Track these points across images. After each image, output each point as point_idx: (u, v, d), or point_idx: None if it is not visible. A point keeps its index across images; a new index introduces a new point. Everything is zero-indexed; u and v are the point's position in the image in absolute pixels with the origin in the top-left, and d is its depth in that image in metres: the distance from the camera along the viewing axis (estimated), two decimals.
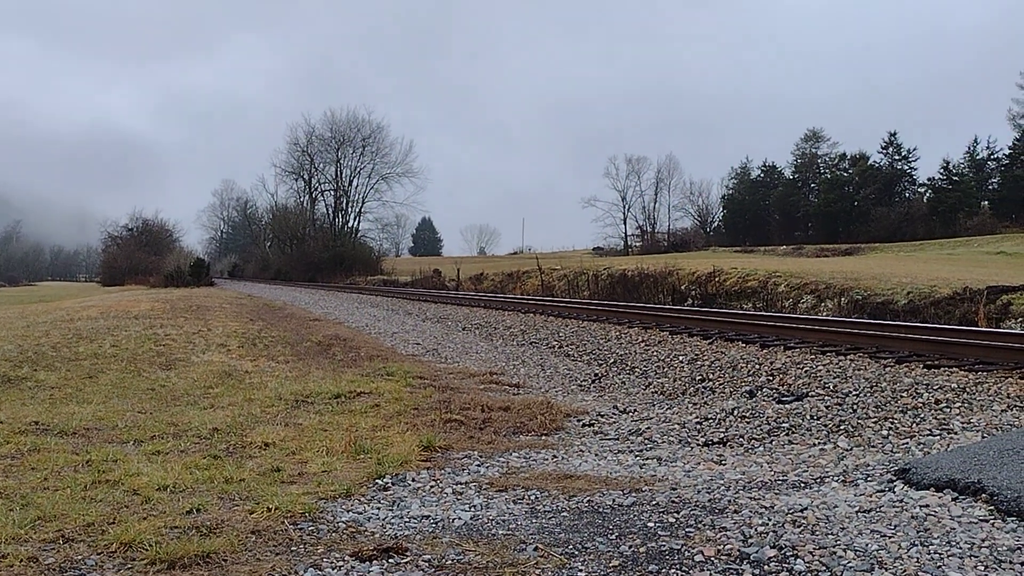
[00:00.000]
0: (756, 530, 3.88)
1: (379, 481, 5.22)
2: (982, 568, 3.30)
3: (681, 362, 10.29)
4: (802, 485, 4.83)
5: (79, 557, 3.76)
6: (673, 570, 3.47)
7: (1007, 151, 65.67)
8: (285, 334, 16.92)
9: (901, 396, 7.01)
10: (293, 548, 3.90)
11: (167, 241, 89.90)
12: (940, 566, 3.33)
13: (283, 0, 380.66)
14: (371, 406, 8.17)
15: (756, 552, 3.58)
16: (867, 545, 3.58)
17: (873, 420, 6.52)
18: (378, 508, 4.66)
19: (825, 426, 6.55)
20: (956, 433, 5.95)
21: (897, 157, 72.00)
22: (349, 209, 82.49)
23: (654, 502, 4.62)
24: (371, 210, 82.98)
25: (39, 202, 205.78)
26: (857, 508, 4.12)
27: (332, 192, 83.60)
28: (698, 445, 6.49)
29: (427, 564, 3.66)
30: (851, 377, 7.94)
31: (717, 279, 24.14)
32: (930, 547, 3.53)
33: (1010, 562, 3.33)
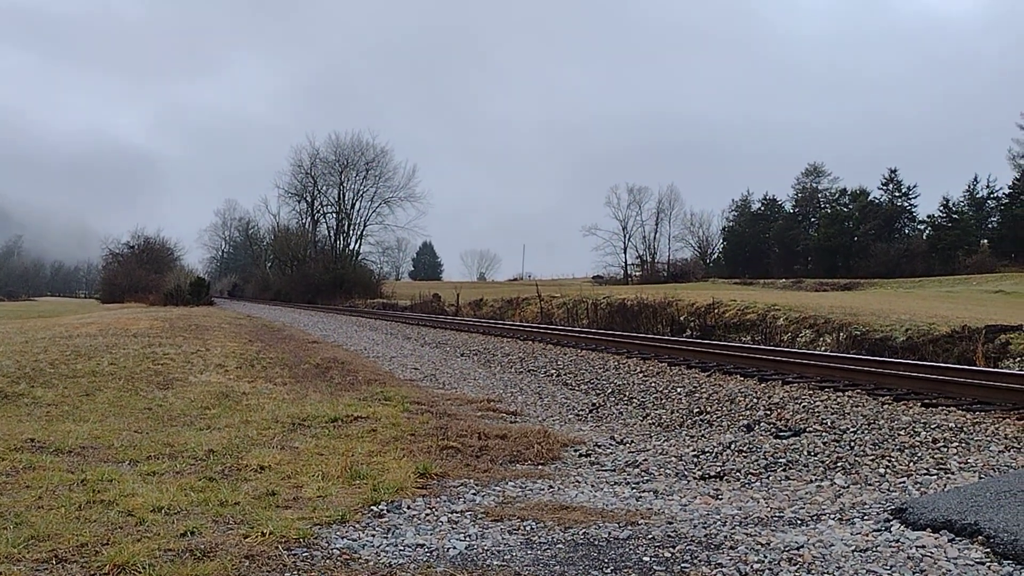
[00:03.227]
0: (752, 567, 3.87)
1: (374, 507, 5.20)
2: None
3: (679, 394, 10.28)
4: (799, 522, 4.82)
5: None
6: None
7: (1007, 190, 65.98)
8: (283, 356, 16.91)
9: (899, 434, 7.01)
10: (287, 574, 3.88)
11: (168, 259, 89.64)
12: None
13: (287, 19, 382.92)
14: (368, 431, 8.16)
15: None
16: None
17: (870, 458, 6.51)
18: (372, 535, 4.64)
19: (822, 463, 6.53)
20: (953, 473, 5.94)
21: (897, 194, 72.38)
22: (351, 232, 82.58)
23: (650, 536, 4.60)
24: (372, 233, 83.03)
25: (40, 217, 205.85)
26: (854, 547, 4.11)
27: (334, 214, 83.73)
28: (695, 479, 6.48)
29: None
30: (849, 414, 7.93)
31: (716, 311, 24.15)
32: None
33: None
